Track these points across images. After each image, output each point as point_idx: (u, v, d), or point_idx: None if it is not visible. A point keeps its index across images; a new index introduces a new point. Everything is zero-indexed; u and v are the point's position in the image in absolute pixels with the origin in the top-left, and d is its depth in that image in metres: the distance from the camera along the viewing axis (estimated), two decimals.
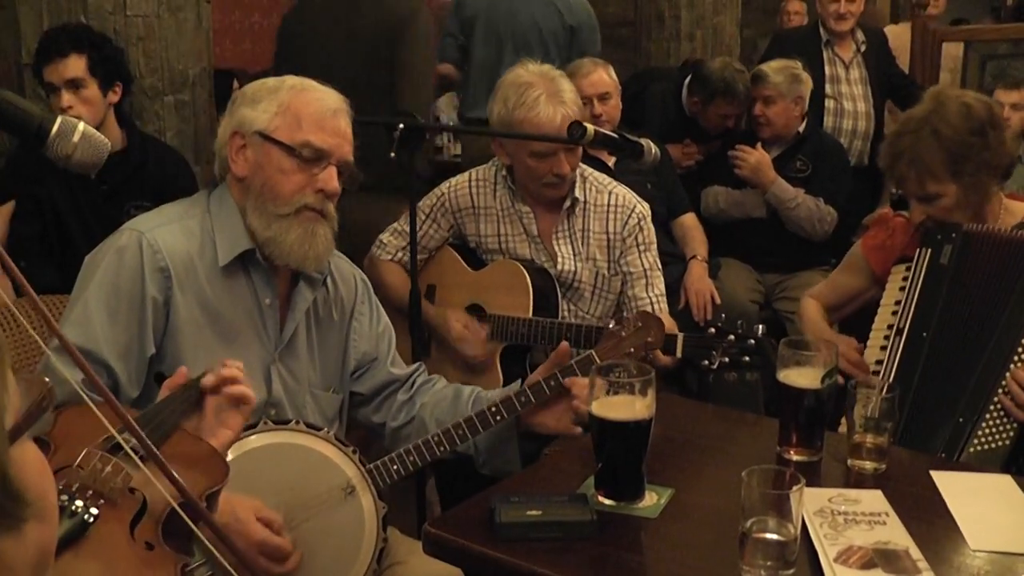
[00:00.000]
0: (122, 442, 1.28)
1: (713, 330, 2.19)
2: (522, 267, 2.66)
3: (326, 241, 1.89)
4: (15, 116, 1.38)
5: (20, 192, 2.97)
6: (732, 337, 2.15)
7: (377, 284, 2.77)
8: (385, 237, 2.81)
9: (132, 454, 1.24)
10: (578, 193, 2.68)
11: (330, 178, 1.86)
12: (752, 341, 2.15)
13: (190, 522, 1.12)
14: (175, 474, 1.06)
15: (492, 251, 2.74)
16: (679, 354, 2.24)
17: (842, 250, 2.82)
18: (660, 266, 2.76)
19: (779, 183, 3.93)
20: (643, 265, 2.71)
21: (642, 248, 2.71)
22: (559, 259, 2.69)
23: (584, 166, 2.73)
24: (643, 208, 2.72)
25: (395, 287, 2.70)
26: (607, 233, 2.70)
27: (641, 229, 2.70)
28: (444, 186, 2.79)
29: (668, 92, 4.59)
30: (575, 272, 2.69)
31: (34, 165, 2.93)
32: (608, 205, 2.70)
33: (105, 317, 1.78)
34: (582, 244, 2.70)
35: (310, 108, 1.86)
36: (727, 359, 2.16)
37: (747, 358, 2.14)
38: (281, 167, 1.84)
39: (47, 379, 0.73)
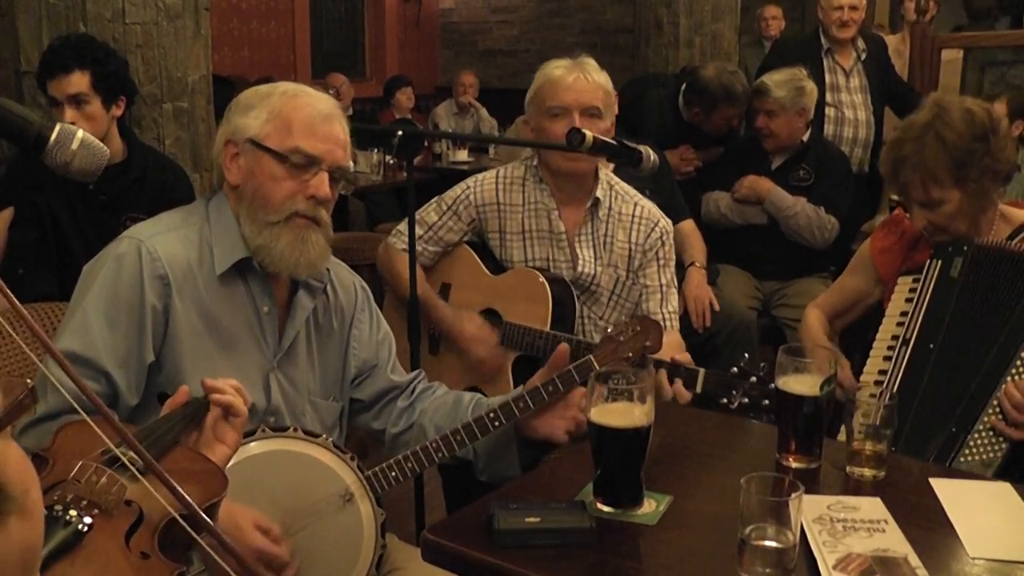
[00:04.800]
0: (119, 454, 1.28)
1: (736, 369, 2.13)
2: (542, 276, 2.65)
3: (319, 247, 1.88)
4: (13, 123, 1.37)
5: (19, 199, 2.97)
6: (754, 379, 2.09)
7: (389, 273, 2.77)
8: (402, 226, 2.78)
9: (129, 465, 1.24)
10: (599, 194, 2.68)
11: (321, 184, 1.85)
12: (774, 385, 2.11)
13: (192, 532, 1.12)
14: (174, 483, 1.06)
15: (512, 248, 2.72)
16: (699, 390, 2.19)
17: (841, 257, 2.81)
18: (676, 284, 2.75)
19: (775, 192, 3.92)
20: (660, 280, 2.71)
21: (661, 263, 2.71)
22: (580, 261, 2.69)
23: (612, 176, 2.75)
24: (667, 224, 2.73)
25: (406, 278, 2.65)
26: (629, 243, 2.70)
27: (663, 244, 2.71)
28: (471, 180, 2.79)
29: (666, 98, 4.59)
30: (594, 276, 2.69)
31: (33, 173, 2.93)
32: (633, 216, 2.71)
33: (104, 325, 1.77)
34: (604, 249, 2.70)
35: (301, 114, 1.85)
36: (746, 400, 2.10)
37: (767, 401, 2.07)
38: (272, 174, 1.84)
39: (28, 380, 0.74)
